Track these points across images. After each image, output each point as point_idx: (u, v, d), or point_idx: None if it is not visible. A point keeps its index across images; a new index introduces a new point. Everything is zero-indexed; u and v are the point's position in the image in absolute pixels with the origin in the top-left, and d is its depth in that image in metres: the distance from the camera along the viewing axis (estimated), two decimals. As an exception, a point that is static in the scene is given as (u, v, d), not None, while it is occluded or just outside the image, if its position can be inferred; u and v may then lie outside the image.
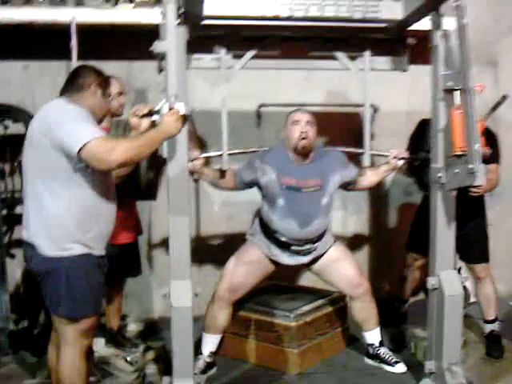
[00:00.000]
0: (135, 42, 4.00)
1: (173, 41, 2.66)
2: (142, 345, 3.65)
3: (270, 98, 4.36)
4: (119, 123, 3.69)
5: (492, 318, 3.84)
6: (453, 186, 2.95)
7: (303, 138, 3.31)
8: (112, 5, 3.82)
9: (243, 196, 3.83)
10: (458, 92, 2.82)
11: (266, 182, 3.35)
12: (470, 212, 3.61)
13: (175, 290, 2.92)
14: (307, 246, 3.43)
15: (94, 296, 2.66)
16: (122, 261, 3.46)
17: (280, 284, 4.07)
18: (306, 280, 4.42)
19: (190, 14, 2.84)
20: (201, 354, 3.44)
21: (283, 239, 3.39)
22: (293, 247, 3.41)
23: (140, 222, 3.82)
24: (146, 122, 2.77)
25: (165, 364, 3.39)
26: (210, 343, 3.46)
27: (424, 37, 3.29)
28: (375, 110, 4.43)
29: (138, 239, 3.81)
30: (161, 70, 3.24)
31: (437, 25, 2.92)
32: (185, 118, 2.65)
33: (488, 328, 3.83)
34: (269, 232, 3.44)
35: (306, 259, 3.48)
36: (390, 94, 4.37)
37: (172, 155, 2.88)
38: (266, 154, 3.43)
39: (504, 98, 3.22)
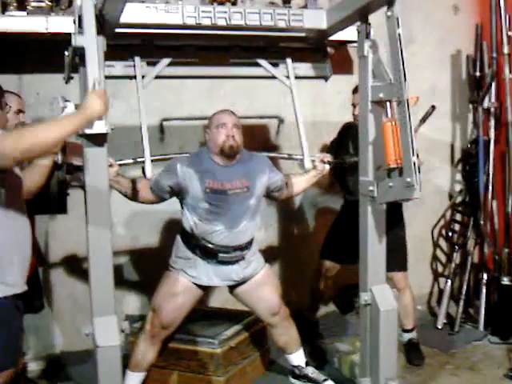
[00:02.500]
0: (26, 53, 3.68)
1: (92, 36, 2.39)
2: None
3: (172, 111, 4.12)
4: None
5: (410, 327, 3.88)
6: (387, 199, 2.87)
7: (231, 139, 3.10)
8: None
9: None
10: (389, 103, 2.76)
11: (188, 186, 3.10)
12: (389, 221, 3.59)
13: (100, 327, 2.60)
14: (236, 253, 3.20)
15: (14, 346, 2.35)
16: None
17: (195, 308, 3.79)
18: (215, 302, 4.25)
19: (106, 22, 2.57)
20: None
21: (210, 246, 3.15)
22: (221, 255, 3.17)
23: (40, 249, 3.43)
24: None
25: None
26: (135, 382, 3.15)
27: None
28: (281, 120, 4.33)
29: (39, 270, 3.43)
30: (68, 79, 2.98)
31: (365, 34, 2.84)
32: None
33: (406, 337, 3.85)
34: (193, 243, 3.18)
35: (235, 277, 3.24)
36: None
37: (91, 168, 2.53)
38: (186, 157, 3.19)
39: (433, 108, 3.22)
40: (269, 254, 4.33)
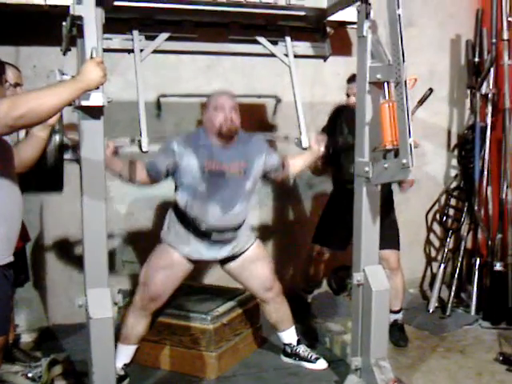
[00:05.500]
0: (24, 26, 3.66)
1: (91, 5, 2.39)
2: (43, 358, 3.25)
3: (169, 88, 4.09)
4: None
5: (398, 308, 3.90)
6: (381, 180, 2.88)
7: (228, 122, 3.08)
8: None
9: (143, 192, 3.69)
10: (387, 84, 2.76)
11: (185, 166, 3.09)
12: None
13: (93, 299, 2.62)
14: (228, 234, 3.23)
15: (2, 313, 2.33)
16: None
17: (189, 284, 3.82)
18: (210, 278, 4.28)
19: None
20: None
21: (203, 228, 3.16)
22: (214, 234, 3.19)
23: (26, 227, 3.38)
24: None
25: (75, 379, 3.08)
26: (125, 355, 3.18)
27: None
28: (278, 100, 4.32)
29: (26, 246, 3.43)
30: (66, 50, 2.97)
31: (365, 14, 2.83)
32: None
33: (392, 317, 3.82)
34: (187, 221, 3.19)
35: (225, 252, 3.27)
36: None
37: (87, 141, 2.54)
38: (184, 137, 3.16)
39: (430, 90, 3.22)
40: (262, 234, 4.38)
